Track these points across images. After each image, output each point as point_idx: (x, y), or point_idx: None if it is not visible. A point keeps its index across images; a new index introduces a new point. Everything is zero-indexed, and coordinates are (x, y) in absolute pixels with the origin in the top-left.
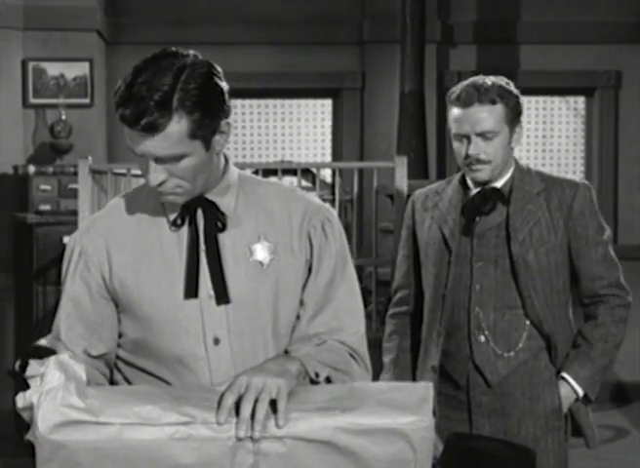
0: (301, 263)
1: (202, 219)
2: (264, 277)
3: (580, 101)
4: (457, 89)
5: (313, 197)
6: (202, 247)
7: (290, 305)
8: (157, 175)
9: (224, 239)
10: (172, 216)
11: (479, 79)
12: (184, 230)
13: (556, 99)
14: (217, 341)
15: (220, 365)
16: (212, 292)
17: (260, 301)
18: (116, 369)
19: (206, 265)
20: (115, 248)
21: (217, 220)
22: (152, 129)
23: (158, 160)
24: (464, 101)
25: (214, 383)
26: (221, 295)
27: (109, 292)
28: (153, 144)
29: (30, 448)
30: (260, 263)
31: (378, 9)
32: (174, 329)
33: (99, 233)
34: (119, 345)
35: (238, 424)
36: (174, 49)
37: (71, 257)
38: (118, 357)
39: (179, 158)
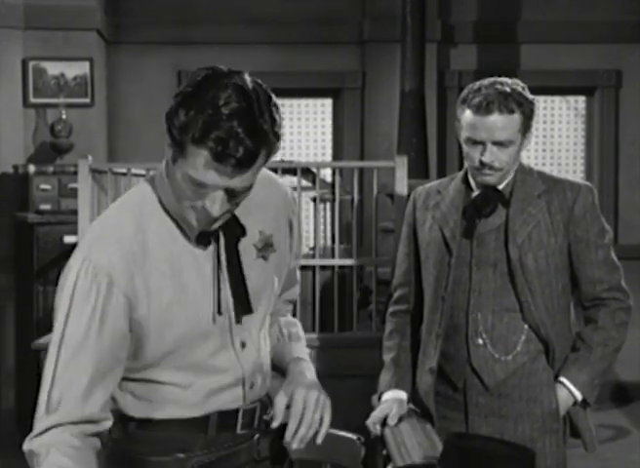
0: (287, 249)
1: (221, 232)
2: (267, 271)
3: (580, 101)
4: (473, 92)
5: (280, 179)
6: (223, 257)
7: (278, 289)
8: (223, 206)
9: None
10: (193, 233)
11: (497, 84)
12: (203, 245)
13: (557, 99)
14: (243, 345)
15: (250, 366)
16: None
17: (267, 294)
18: (120, 390)
19: (227, 279)
20: (147, 268)
21: (236, 230)
22: (248, 163)
23: (231, 192)
24: (484, 109)
25: (246, 384)
26: (246, 308)
27: (132, 322)
28: (241, 178)
29: None
30: (264, 258)
31: (378, 8)
32: (207, 341)
33: (125, 257)
34: (129, 369)
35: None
36: (225, 69)
37: (90, 287)
38: (126, 378)
39: (249, 188)
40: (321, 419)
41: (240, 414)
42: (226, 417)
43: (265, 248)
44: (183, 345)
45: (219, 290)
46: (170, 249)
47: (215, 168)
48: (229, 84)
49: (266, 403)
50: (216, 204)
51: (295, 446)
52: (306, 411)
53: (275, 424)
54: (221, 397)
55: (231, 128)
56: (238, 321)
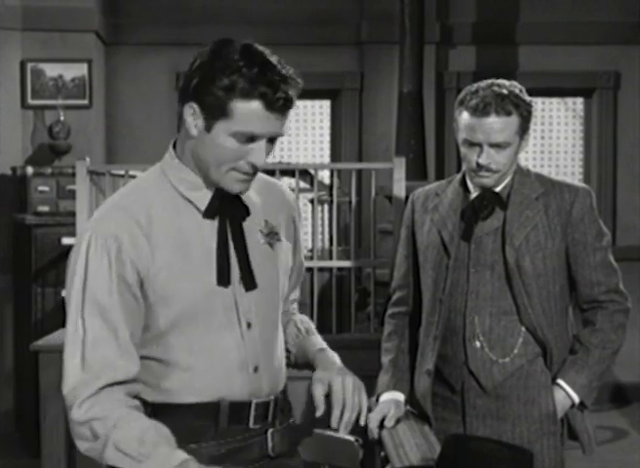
0: (290, 244)
1: (227, 209)
2: (272, 259)
3: (578, 102)
4: (470, 94)
5: (280, 183)
6: (229, 234)
7: (285, 284)
8: (265, 155)
9: (244, 226)
10: (201, 207)
11: (495, 86)
12: (209, 220)
13: (555, 101)
14: (249, 326)
15: (254, 347)
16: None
17: (272, 283)
18: None
19: (233, 253)
20: (154, 238)
21: (241, 209)
22: (291, 105)
23: (272, 140)
24: (481, 111)
25: (249, 365)
26: (250, 281)
27: (142, 288)
28: (281, 123)
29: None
30: (270, 245)
31: (376, 9)
32: (211, 317)
33: (131, 223)
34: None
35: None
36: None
37: (101, 253)
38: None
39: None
40: (360, 402)
41: (253, 407)
42: (238, 408)
43: (271, 235)
44: (188, 318)
45: (224, 263)
46: (176, 222)
47: (265, 116)
48: (243, 45)
49: (282, 400)
50: (261, 154)
51: (342, 431)
52: (347, 397)
53: (319, 413)
54: (229, 381)
55: (271, 76)
56: (246, 289)
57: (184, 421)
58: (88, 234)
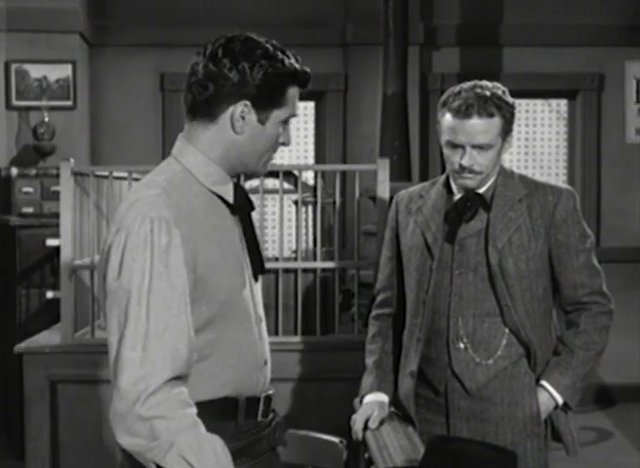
0: None
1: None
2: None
3: (562, 104)
4: (453, 95)
5: None
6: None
7: None
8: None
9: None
10: (229, 200)
11: (477, 87)
12: (229, 213)
13: (539, 102)
14: (260, 320)
15: (264, 341)
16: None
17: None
18: None
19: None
20: (196, 233)
21: (250, 201)
22: None
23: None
24: (463, 113)
25: (262, 359)
26: (260, 269)
27: (189, 282)
28: None
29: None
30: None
31: (360, 11)
32: (240, 312)
33: (181, 217)
34: None
35: None
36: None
37: (168, 239)
38: None
39: None
40: None
41: (262, 401)
42: (252, 403)
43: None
44: (224, 313)
45: (258, 256)
46: (210, 217)
47: (297, 96)
48: (254, 36)
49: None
50: (290, 133)
51: None
52: None
53: None
54: (249, 376)
55: (296, 59)
56: (256, 279)
57: (206, 421)
58: (148, 219)
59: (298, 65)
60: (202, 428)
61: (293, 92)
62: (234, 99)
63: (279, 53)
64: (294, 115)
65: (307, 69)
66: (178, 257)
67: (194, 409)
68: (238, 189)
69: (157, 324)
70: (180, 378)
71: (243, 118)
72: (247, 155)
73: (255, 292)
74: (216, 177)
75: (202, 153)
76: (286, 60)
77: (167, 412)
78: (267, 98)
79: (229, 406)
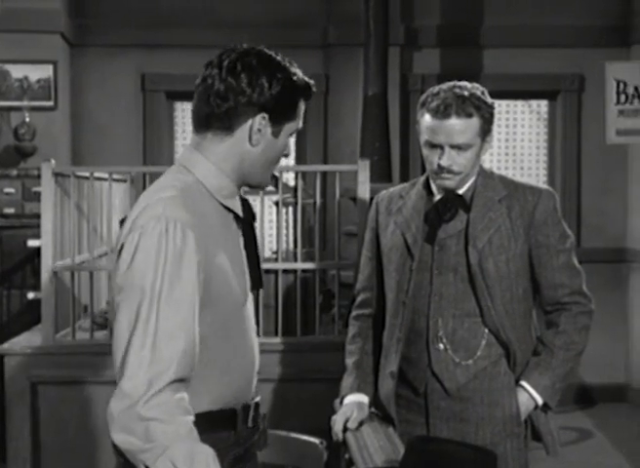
0: None
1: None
2: None
3: (542, 105)
4: (432, 95)
5: None
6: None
7: None
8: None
9: None
10: (239, 213)
11: (456, 88)
12: (234, 224)
13: (519, 103)
14: (253, 329)
15: (257, 350)
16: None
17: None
18: None
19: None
20: (210, 240)
21: (253, 213)
22: None
23: None
24: (442, 113)
25: (257, 367)
26: (258, 283)
27: (199, 287)
28: None
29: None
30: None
31: (341, 12)
32: (239, 321)
33: (195, 221)
34: None
35: None
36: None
37: (182, 240)
38: None
39: None
40: None
41: (252, 408)
42: (247, 411)
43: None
44: (229, 323)
45: (257, 267)
46: (220, 228)
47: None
48: (261, 49)
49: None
50: (290, 144)
51: None
52: None
53: None
54: (248, 384)
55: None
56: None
57: (205, 434)
58: (164, 219)
59: (306, 79)
60: (197, 438)
61: (302, 105)
62: (253, 112)
63: (291, 67)
64: (299, 128)
65: (313, 82)
66: (191, 260)
67: (192, 418)
68: (244, 202)
69: (167, 324)
70: (182, 381)
71: (259, 130)
72: (257, 167)
73: (251, 305)
74: (226, 192)
75: (214, 164)
76: (298, 74)
77: (166, 416)
78: (283, 112)
79: (229, 415)
